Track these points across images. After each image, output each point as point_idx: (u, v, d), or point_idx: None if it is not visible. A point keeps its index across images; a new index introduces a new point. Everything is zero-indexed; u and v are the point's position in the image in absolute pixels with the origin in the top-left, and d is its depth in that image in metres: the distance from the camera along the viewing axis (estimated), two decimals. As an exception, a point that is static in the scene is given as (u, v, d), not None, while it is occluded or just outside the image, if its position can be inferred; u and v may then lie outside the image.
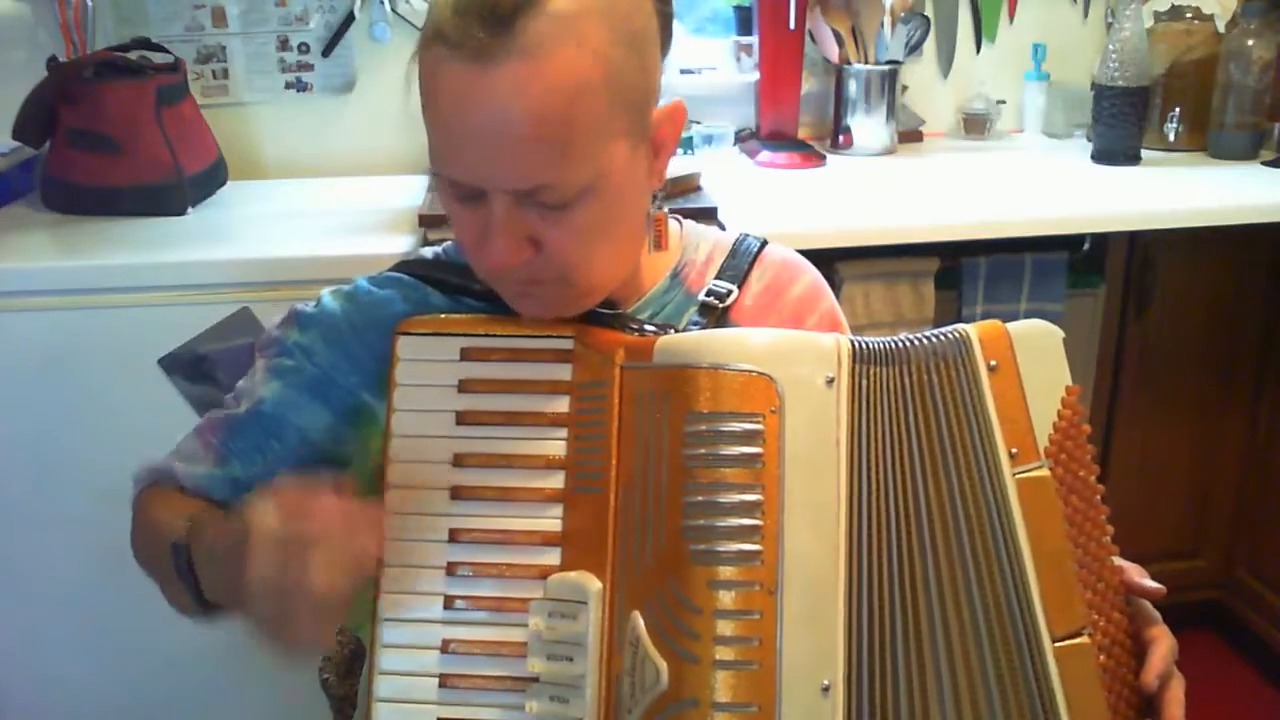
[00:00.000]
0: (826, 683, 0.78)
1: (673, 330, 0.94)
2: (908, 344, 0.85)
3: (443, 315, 0.97)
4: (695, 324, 1.01)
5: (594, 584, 0.84)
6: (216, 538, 0.89)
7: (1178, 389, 2.34)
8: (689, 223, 1.11)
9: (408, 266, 1.05)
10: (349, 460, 1.02)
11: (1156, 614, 0.92)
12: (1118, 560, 0.90)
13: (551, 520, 0.88)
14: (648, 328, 0.94)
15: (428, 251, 1.08)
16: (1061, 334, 0.89)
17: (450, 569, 0.88)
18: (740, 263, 1.07)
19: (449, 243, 1.08)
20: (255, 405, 1.03)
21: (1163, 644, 0.90)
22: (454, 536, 0.89)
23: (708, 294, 1.03)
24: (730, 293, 1.03)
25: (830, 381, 0.81)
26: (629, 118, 0.87)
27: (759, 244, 1.10)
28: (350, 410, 1.01)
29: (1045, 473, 0.84)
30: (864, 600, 0.81)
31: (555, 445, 0.89)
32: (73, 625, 1.96)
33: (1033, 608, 0.81)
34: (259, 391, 1.03)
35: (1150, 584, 0.91)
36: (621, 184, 0.89)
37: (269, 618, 0.78)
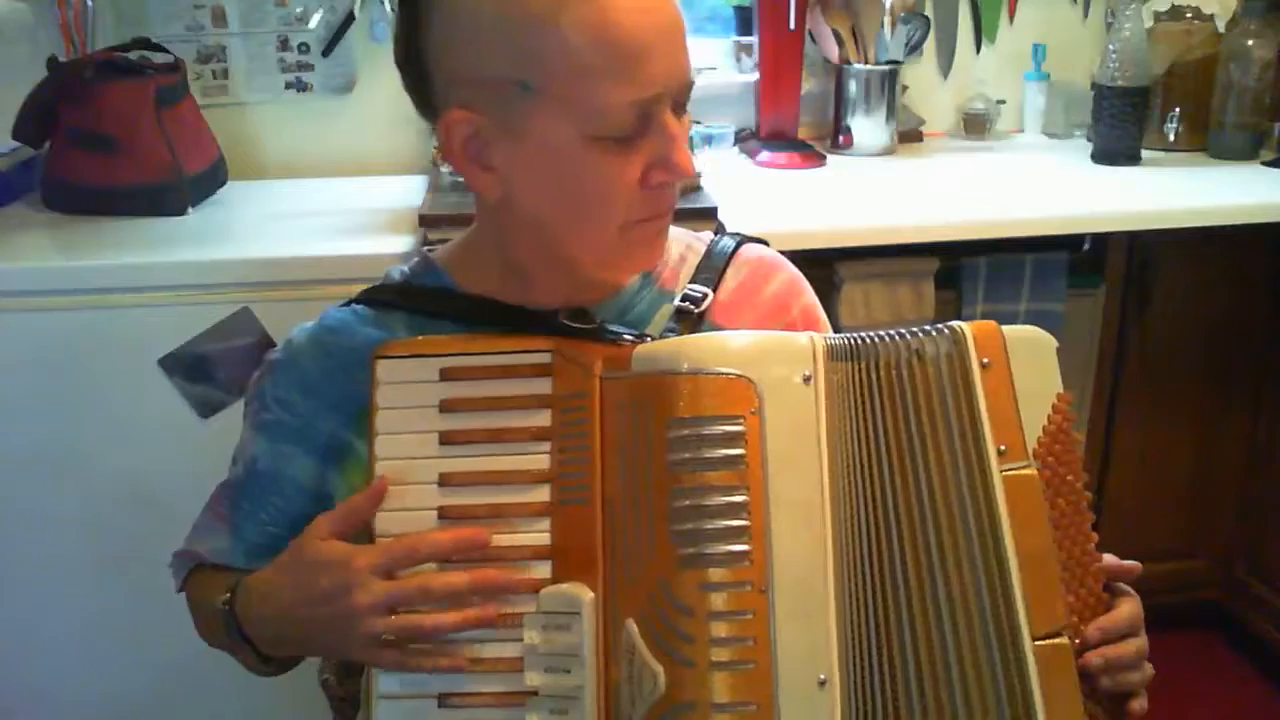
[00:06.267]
0: (823, 677, 0.79)
1: (649, 338, 0.95)
2: (888, 339, 0.86)
3: (420, 337, 0.97)
4: (671, 330, 1.01)
5: (586, 594, 0.84)
6: (260, 590, 0.95)
7: (1178, 389, 2.34)
8: None
9: (376, 295, 1.05)
10: (333, 499, 1.02)
11: (1131, 593, 0.93)
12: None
13: (540, 534, 0.88)
14: (625, 336, 0.95)
15: (395, 273, 1.07)
16: (1055, 343, 0.89)
17: None
18: (715, 263, 1.07)
19: (415, 260, 1.07)
20: (251, 465, 1.05)
21: (1125, 606, 0.91)
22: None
23: (683, 299, 1.03)
24: (705, 296, 1.03)
25: (808, 379, 0.82)
26: None
27: (735, 243, 1.10)
28: (333, 451, 1.01)
29: (1032, 472, 0.85)
30: (854, 594, 0.82)
31: (540, 459, 0.89)
32: (73, 625, 1.96)
33: (1014, 603, 0.82)
34: (250, 450, 1.05)
35: (1126, 562, 0.93)
36: None
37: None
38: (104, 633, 1.96)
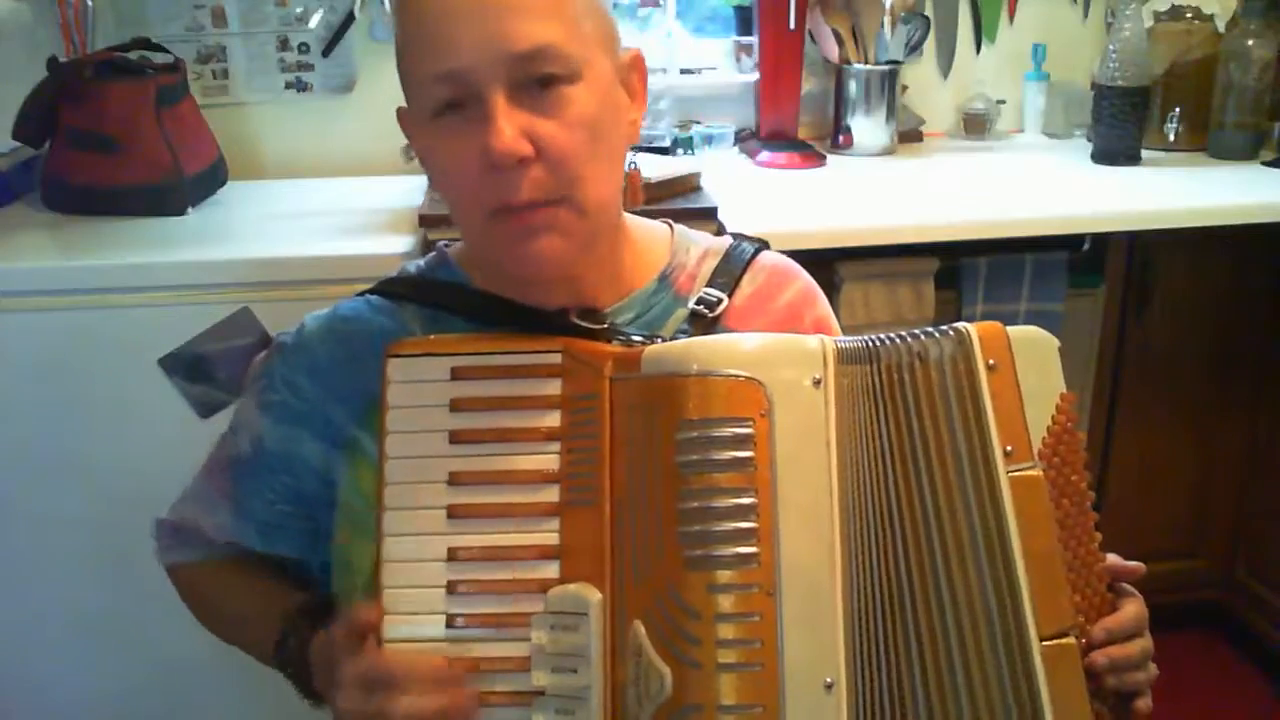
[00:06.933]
0: (829, 680, 0.79)
1: (660, 339, 0.94)
2: (897, 341, 0.86)
3: (432, 336, 0.97)
4: (684, 332, 1.01)
5: (594, 595, 0.84)
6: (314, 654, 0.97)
7: (1178, 389, 2.34)
8: (680, 227, 1.11)
9: (390, 287, 1.05)
10: (337, 486, 1.02)
11: (1136, 593, 0.93)
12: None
13: (549, 534, 0.88)
14: (635, 338, 0.94)
15: (411, 267, 1.07)
16: (1058, 343, 0.89)
17: (451, 587, 0.88)
18: (732, 268, 1.06)
19: (432, 255, 1.07)
20: (258, 443, 1.04)
21: (1130, 607, 0.91)
22: (453, 555, 0.89)
23: (698, 302, 1.02)
24: (720, 301, 1.03)
25: (817, 382, 0.82)
26: (603, 34, 0.92)
27: (753, 249, 1.09)
28: (340, 443, 1.01)
29: (1038, 473, 0.85)
30: (862, 597, 0.81)
31: (549, 459, 0.89)
32: (72, 625, 1.96)
33: (1021, 604, 0.82)
34: (255, 428, 1.04)
35: (1130, 563, 0.93)
36: (607, 99, 0.91)
37: None
38: (104, 633, 1.96)
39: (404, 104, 0.95)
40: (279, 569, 1.10)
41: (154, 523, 1.14)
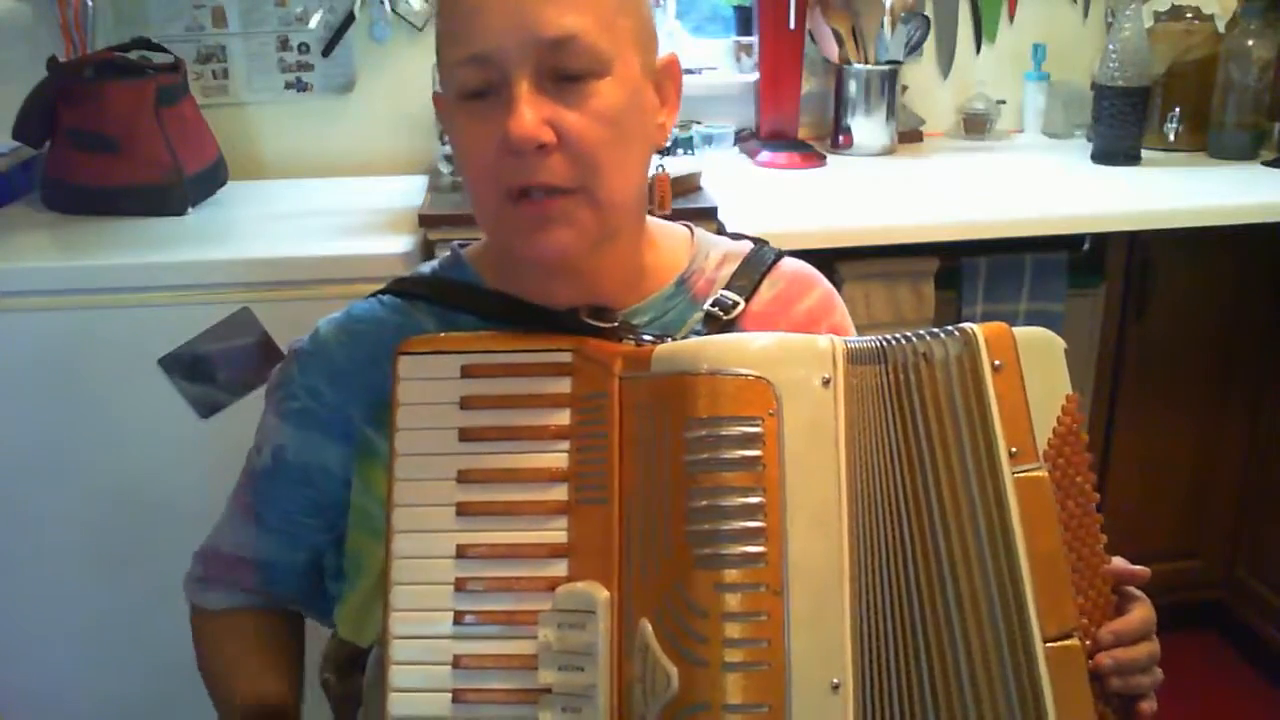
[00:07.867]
0: (836, 680, 0.78)
1: (670, 339, 0.94)
2: (904, 342, 0.86)
3: (442, 334, 0.98)
4: (697, 334, 1.00)
5: (602, 593, 0.84)
6: None
7: (1178, 389, 2.34)
8: (701, 231, 1.11)
9: (403, 286, 1.05)
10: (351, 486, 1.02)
11: (1144, 598, 0.92)
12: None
13: (557, 532, 0.88)
14: (645, 337, 0.94)
15: (425, 268, 1.08)
16: (1064, 344, 0.89)
17: (459, 584, 0.88)
18: (751, 273, 1.06)
19: (446, 255, 1.07)
20: (279, 453, 1.03)
21: (1138, 611, 0.90)
22: (461, 552, 0.89)
23: (713, 304, 1.02)
24: (736, 305, 1.02)
25: (827, 382, 0.82)
26: (638, 32, 0.92)
27: (774, 255, 1.09)
28: (357, 444, 1.01)
29: (1043, 474, 0.85)
30: (869, 597, 0.81)
31: (558, 458, 0.89)
32: (72, 625, 1.96)
33: (1025, 605, 0.82)
34: (276, 439, 1.03)
35: (1136, 567, 0.92)
36: (635, 97, 0.92)
37: None
38: (103, 633, 1.96)
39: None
40: (291, 636, 1.11)
41: (192, 560, 1.13)
